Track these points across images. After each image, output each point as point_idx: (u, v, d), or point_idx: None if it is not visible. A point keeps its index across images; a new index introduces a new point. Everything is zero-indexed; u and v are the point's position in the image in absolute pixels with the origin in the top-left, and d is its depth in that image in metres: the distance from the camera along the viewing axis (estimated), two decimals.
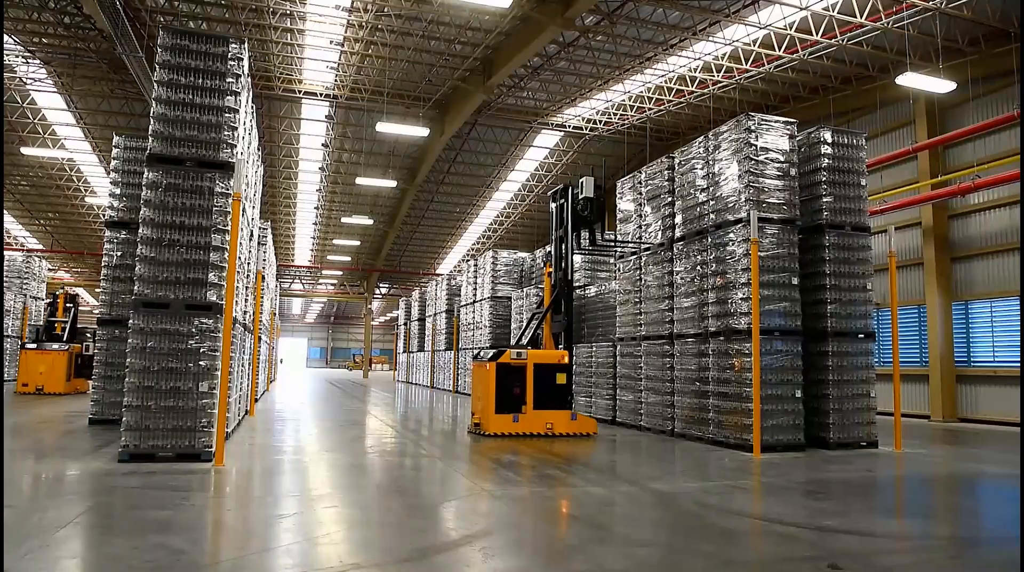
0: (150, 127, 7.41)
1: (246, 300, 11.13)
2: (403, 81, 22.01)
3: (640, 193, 12.08)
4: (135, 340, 7.03)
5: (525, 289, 19.01)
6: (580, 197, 11.34)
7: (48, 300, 21.00)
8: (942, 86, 13.71)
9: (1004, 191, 14.38)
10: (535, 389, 10.28)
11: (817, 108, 19.17)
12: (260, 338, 14.70)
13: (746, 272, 9.20)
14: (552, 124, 25.37)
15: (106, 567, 3.78)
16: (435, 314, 27.84)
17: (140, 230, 7.25)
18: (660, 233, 11.42)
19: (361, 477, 6.91)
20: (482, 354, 11.00)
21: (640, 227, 12.12)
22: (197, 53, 7.60)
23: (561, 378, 10.46)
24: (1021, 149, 13.52)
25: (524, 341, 11.27)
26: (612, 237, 11.65)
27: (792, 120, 9.88)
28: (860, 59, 17.04)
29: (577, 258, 18.00)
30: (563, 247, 11.39)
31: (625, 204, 12.59)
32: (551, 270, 11.52)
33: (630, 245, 11.95)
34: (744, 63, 18.19)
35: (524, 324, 12.04)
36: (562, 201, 11.57)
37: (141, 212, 7.27)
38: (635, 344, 11.92)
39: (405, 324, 34.89)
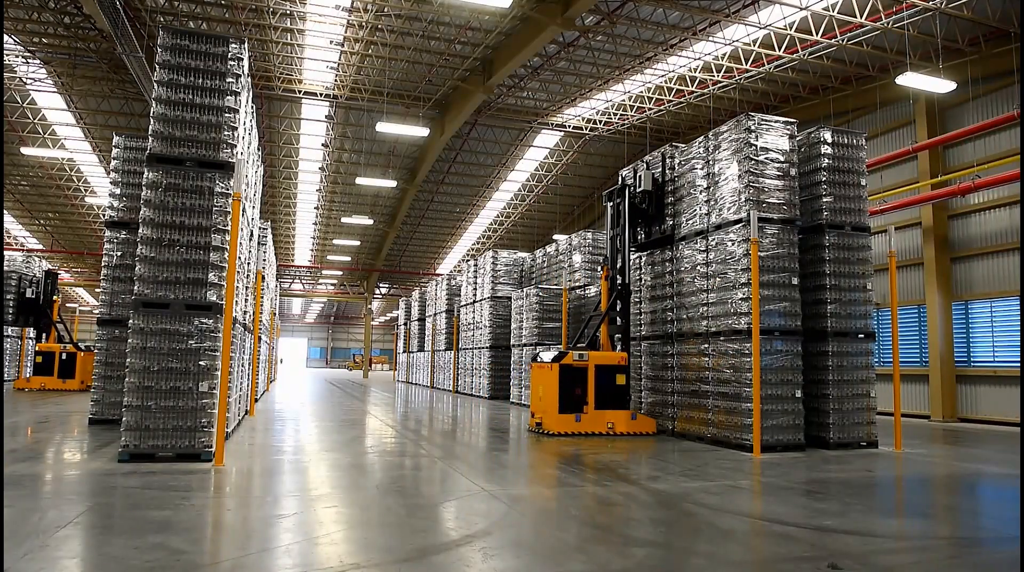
0: (150, 127, 7.42)
1: (246, 300, 11.14)
2: (403, 81, 22.02)
3: None
4: (135, 340, 7.03)
5: (525, 289, 19.00)
6: (638, 190, 11.28)
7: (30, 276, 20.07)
8: (942, 86, 13.72)
9: (1004, 191, 14.39)
10: (596, 389, 10.45)
11: (817, 108, 19.19)
12: (260, 338, 14.71)
13: (746, 272, 9.20)
14: (552, 124, 25.38)
15: (106, 567, 3.78)
16: (435, 314, 27.84)
17: (140, 230, 7.25)
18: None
19: (361, 477, 6.91)
20: (540, 356, 11.09)
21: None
22: (197, 53, 7.60)
23: (620, 379, 10.63)
24: (1021, 149, 13.52)
25: (583, 343, 11.34)
26: (669, 230, 11.12)
27: (792, 120, 9.87)
28: (860, 59, 17.06)
29: (577, 258, 18.01)
30: (617, 247, 11.37)
31: None
32: (608, 273, 11.53)
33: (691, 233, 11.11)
34: (744, 63, 18.20)
35: (582, 326, 12.12)
36: (618, 200, 11.50)
37: (141, 212, 7.27)
38: (635, 344, 11.91)
39: (405, 324, 34.89)
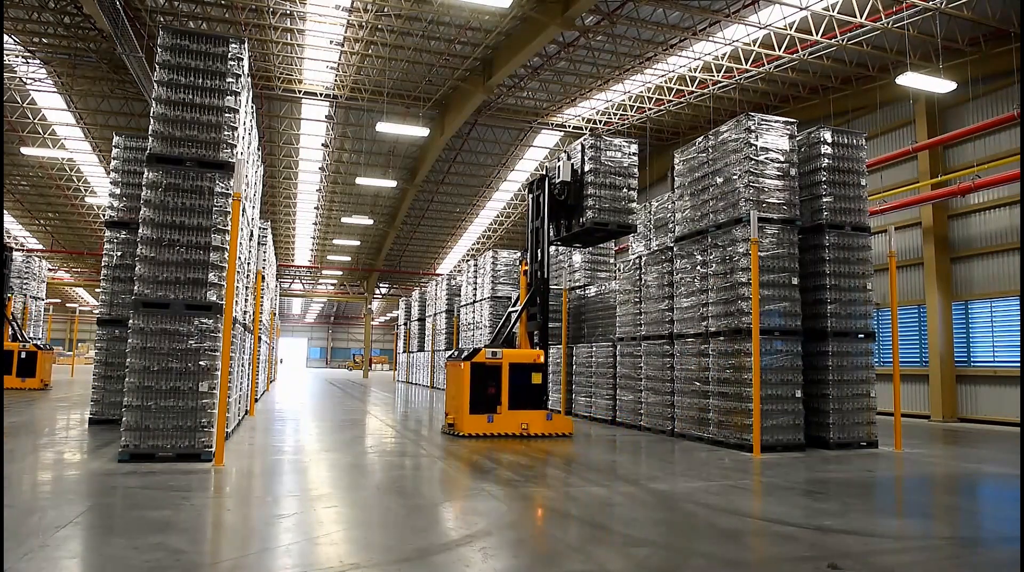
0: (150, 127, 7.42)
1: (246, 300, 11.13)
2: (403, 81, 22.01)
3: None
4: (135, 340, 7.03)
5: None
6: (557, 181, 10.97)
7: None
8: (942, 86, 13.71)
9: (1004, 191, 14.39)
10: (510, 389, 10.11)
11: (817, 108, 19.18)
12: (260, 338, 14.71)
13: (746, 272, 9.20)
14: (552, 124, 25.37)
15: (106, 567, 3.78)
16: (435, 314, 27.83)
17: (140, 230, 7.25)
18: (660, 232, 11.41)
19: (361, 477, 6.91)
20: (455, 354, 10.83)
21: (646, 229, 12.14)
22: (197, 53, 7.60)
23: (537, 378, 10.27)
24: (1021, 149, 13.52)
25: (499, 340, 11.06)
26: (589, 223, 10.86)
27: (792, 120, 9.88)
28: (860, 59, 17.05)
29: (577, 258, 18.00)
30: (538, 241, 11.07)
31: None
32: (527, 267, 11.20)
33: (611, 228, 10.97)
34: (744, 63, 18.19)
35: (500, 323, 11.80)
36: (538, 192, 11.27)
37: (141, 212, 7.28)
38: (635, 344, 11.91)
39: (405, 324, 34.89)
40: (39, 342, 19.95)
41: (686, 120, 23.75)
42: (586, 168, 10.98)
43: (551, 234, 11.18)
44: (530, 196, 11.51)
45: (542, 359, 10.40)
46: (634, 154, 11.17)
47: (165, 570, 3.65)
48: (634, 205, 11.03)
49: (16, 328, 19.27)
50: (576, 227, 11.02)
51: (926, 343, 15.77)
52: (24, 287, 21.56)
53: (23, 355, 18.69)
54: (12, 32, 18.93)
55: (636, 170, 11.19)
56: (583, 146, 11.10)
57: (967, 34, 15.03)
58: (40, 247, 40.90)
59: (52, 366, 21.34)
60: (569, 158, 11.25)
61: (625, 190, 10.96)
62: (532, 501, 5.83)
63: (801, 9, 15.19)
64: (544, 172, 11.55)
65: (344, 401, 18.48)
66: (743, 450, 8.90)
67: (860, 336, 9.91)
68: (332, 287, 51.61)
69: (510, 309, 11.69)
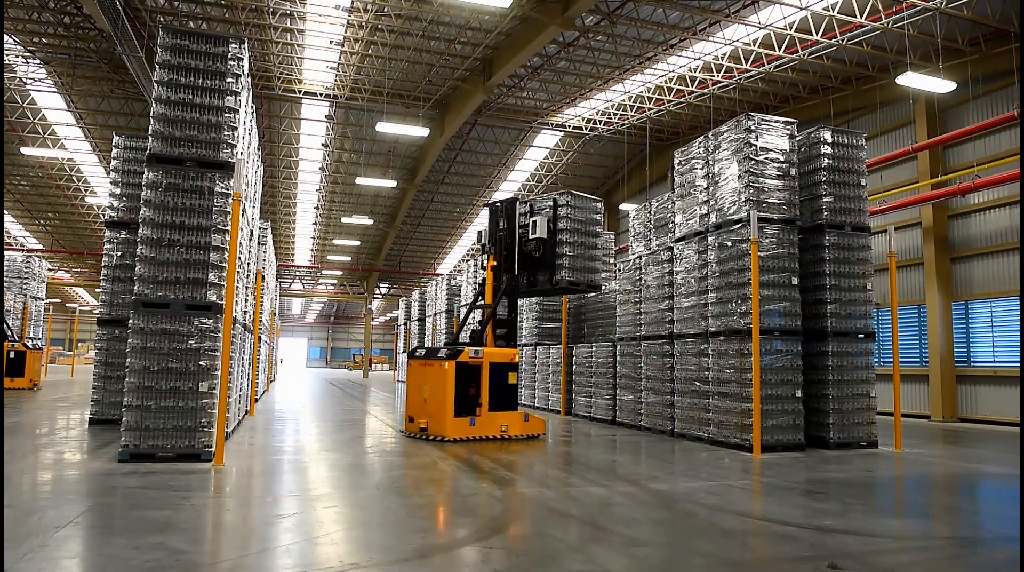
0: (150, 127, 7.42)
1: (246, 300, 11.13)
2: (403, 81, 22.02)
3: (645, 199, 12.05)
4: (135, 340, 7.03)
5: None
6: (532, 237, 10.77)
7: None
8: (942, 86, 13.72)
9: (1004, 191, 14.39)
10: (490, 390, 9.74)
11: (817, 108, 19.19)
12: (260, 338, 14.71)
13: (746, 272, 9.20)
14: (552, 124, 25.37)
15: (106, 567, 3.78)
16: (435, 314, 27.81)
17: (140, 230, 7.25)
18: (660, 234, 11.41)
19: (361, 477, 6.91)
20: (421, 351, 10.25)
21: (646, 229, 12.14)
22: (197, 53, 7.60)
23: (512, 378, 10.00)
24: (1021, 149, 13.52)
25: (459, 337, 10.83)
26: (564, 282, 10.83)
27: (792, 120, 9.87)
28: (860, 59, 17.06)
29: None
30: (511, 247, 10.88)
31: (627, 206, 12.58)
32: (493, 263, 10.78)
33: (581, 287, 11.15)
34: (744, 63, 18.20)
35: (461, 319, 11.32)
36: (504, 228, 11.07)
37: (141, 212, 7.27)
38: (635, 344, 11.92)
39: (405, 324, 34.87)
40: (29, 341, 19.76)
41: (686, 120, 23.75)
42: (560, 226, 10.95)
43: (522, 281, 11.03)
44: (490, 217, 11.30)
45: (517, 359, 10.22)
46: (600, 210, 11.48)
47: (165, 570, 3.65)
48: (600, 263, 11.29)
49: (8, 327, 19.18)
50: (546, 284, 10.93)
51: (926, 343, 15.77)
52: (24, 287, 21.53)
53: (11, 354, 18.46)
54: (12, 32, 18.93)
55: (603, 227, 11.52)
56: (556, 202, 11.07)
57: (967, 34, 15.03)
58: (40, 247, 40.90)
59: (43, 366, 21.15)
60: (532, 209, 11.14)
61: (595, 249, 11.12)
62: (532, 501, 5.83)
63: (801, 9, 15.20)
64: (514, 197, 11.50)
65: (344, 401, 18.48)
66: (743, 450, 8.90)
67: (860, 336, 9.91)
68: (332, 287, 51.61)
69: (472, 304, 11.27)
